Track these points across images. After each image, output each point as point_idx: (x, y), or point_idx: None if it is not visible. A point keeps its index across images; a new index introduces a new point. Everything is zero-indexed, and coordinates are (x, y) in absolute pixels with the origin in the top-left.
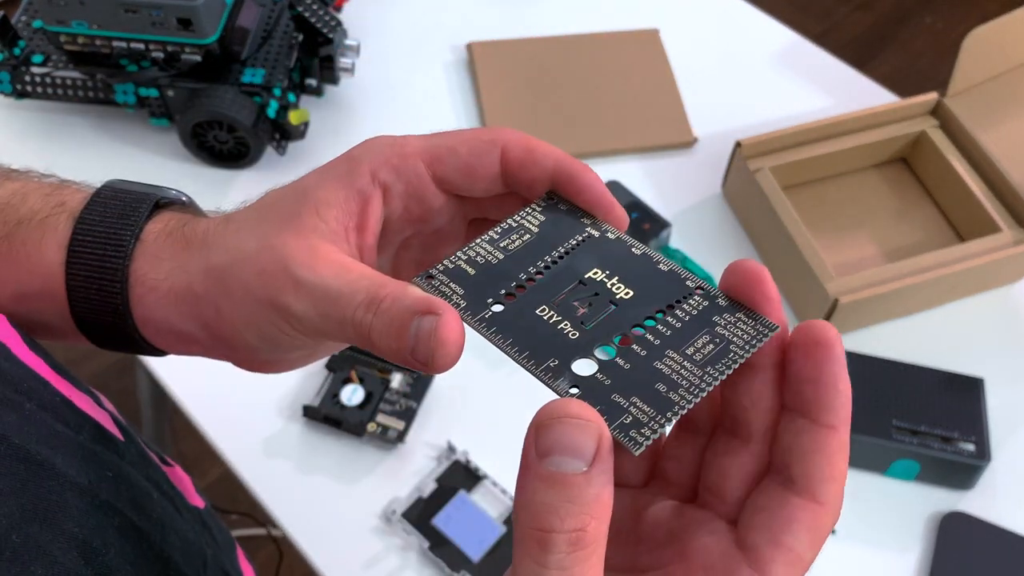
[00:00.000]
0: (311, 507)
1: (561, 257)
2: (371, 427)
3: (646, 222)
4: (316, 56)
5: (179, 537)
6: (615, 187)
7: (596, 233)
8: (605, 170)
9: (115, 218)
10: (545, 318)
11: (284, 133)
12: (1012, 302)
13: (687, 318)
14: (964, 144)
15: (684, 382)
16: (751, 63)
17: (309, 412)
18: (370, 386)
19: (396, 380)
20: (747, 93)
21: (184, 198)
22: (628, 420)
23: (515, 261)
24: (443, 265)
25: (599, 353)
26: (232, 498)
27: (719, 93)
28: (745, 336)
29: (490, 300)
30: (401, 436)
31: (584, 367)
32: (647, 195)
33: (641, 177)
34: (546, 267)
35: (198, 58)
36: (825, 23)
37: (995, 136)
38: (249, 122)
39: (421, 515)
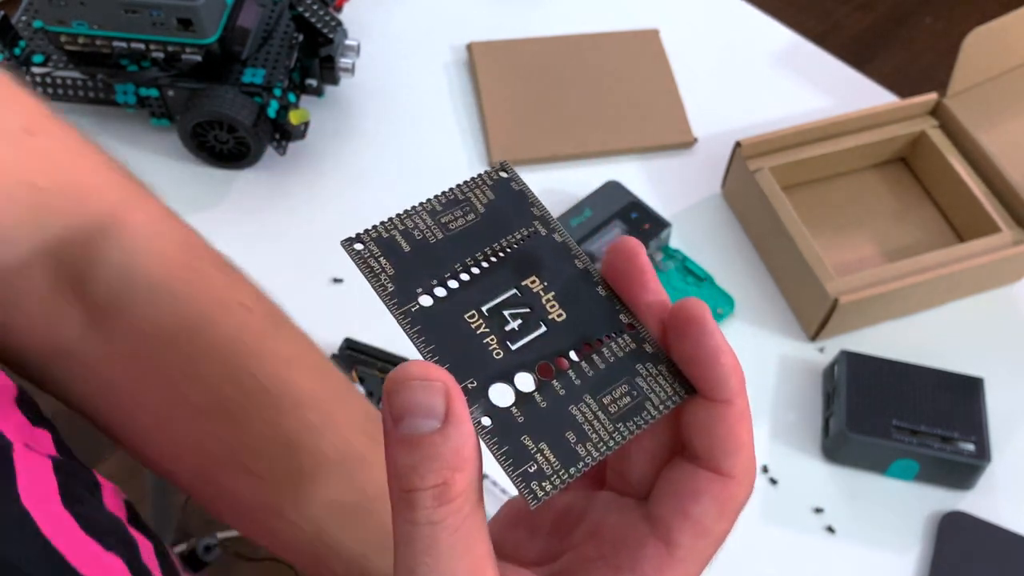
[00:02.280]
0: None
1: (502, 251)
2: None
3: (646, 222)
4: (316, 56)
5: None
6: (615, 187)
7: (543, 231)
8: (605, 170)
9: None
10: (472, 326)
11: (284, 133)
12: (1012, 302)
13: (612, 359)
14: (964, 144)
15: (594, 435)
16: (751, 63)
17: None
18: (371, 386)
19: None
20: (747, 93)
21: None
22: (532, 469)
23: (453, 245)
24: (376, 231)
25: (519, 380)
26: None
27: (719, 93)
28: (662, 395)
29: (419, 290)
30: None
31: (501, 395)
32: (647, 195)
33: (641, 177)
34: (484, 260)
35: (198, 58)
36: (825, 23)
37: (995, 136)
38: (249, 122)
39: None
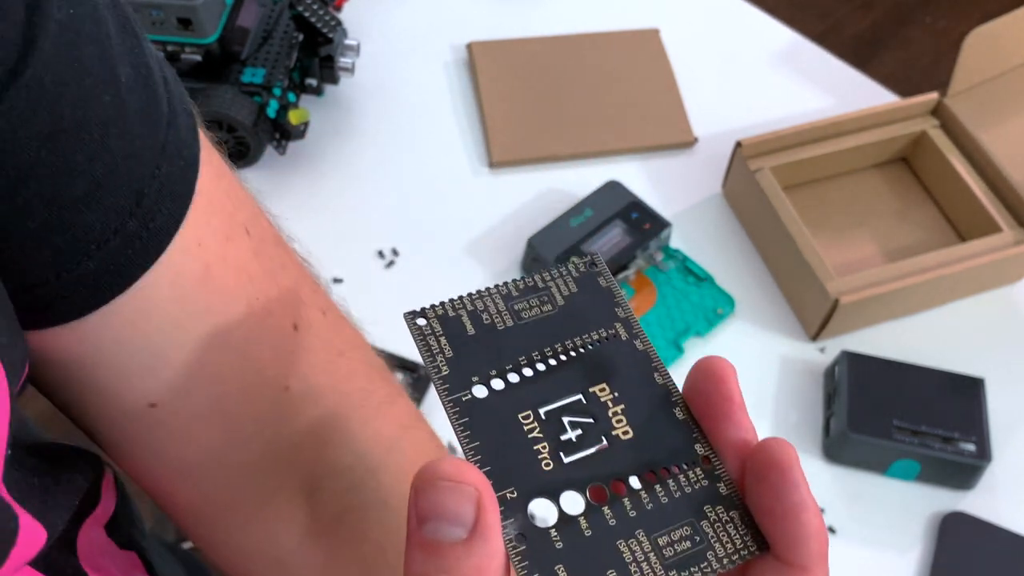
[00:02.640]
0: None
1: (575, 350)
2: None
3: (646, 222)
4: (316, 56)
5: None
6: (615, 187)
7: (624, 335)
8: (605, 170)
9: None
10: (525, 428)
11: (284, 133)
12: (1013, 302)
13: (678, 494)
14: (965, 144)
15: None
16: (751, 63)
17: None
18: None
19: (396, 380)
20: (747, 93)
21: None
22: None
23: (523, 335)
24: (442, 307)
25: (565, 500)
26: None
27: (719, 93)
28: (729, 546)
29: (475, 379)
30: None
31: (542, 513)
32: (647, 195)
33: (641, 177)
34: (553, 357)
35: (198, 58)
36: (825, 22)
37: (996, 136)
38: (249, 122)
39: None
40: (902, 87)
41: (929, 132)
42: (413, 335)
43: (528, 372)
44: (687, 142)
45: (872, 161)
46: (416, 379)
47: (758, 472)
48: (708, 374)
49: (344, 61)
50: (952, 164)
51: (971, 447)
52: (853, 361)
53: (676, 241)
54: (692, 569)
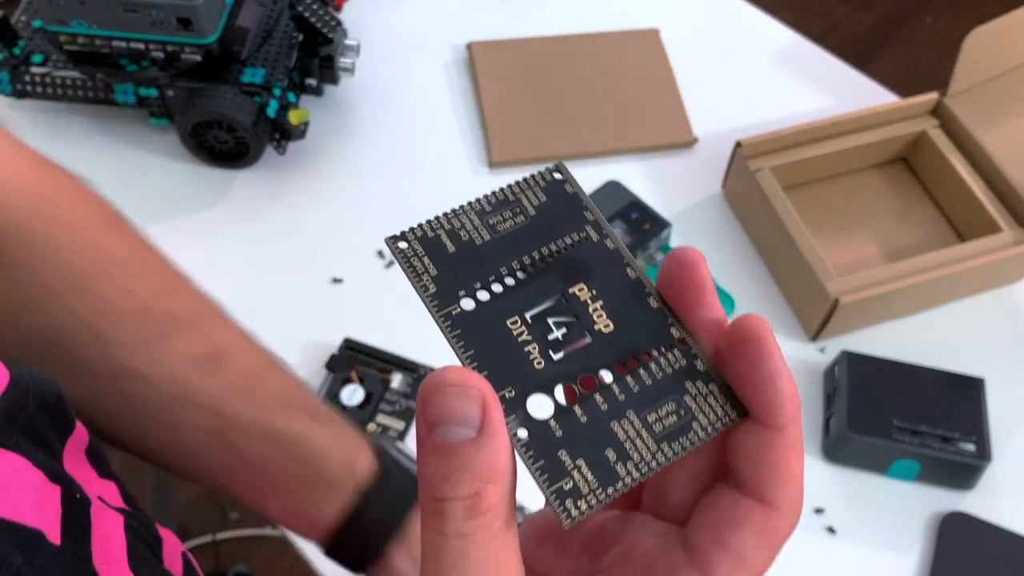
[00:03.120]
0: None
1: (551, 256)
2: (371, 427)
3: (646, 222)
4: (316, 56)
5: None
6: (615, 187)
7: (595, 236)
8: (605, 170)
9: (389, 509)
10: (515, 333)
11: (284, 133)
12: (1013, 302)
13: (660, 375)
14: (965, 144)
15: (636, 455)
16: (751, 63)
17: None
18: (370, 386)
19: (396, 380)
20: (747, 93)
21: None
22: (568, 487)
23: (500, 247)
24: (421, 229)
25: (559, 392)
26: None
27: (719, 93)
28: (711, 416)
29: (462, 292)
30: (401, 436)
31: (539, 406)
32: (647, 195)
33: (641, 177)
34: (532, 264)
35: (198, 58)
36: (825, 23)
37: (996, 136)
38: (249, 122)
39: None
40: (902, 87)
41: (929, 132)
42: (396, 258)
43: (510, 281)
44: (687, 142)
45: (872, 161)
46: (416, 378)
47: (736, 346)
48: (681, 262)
49: (344, 61)
50: (952, 164)
51: (971, 447)
52: (853, 361)
53: (676, 241)
54: (681, 439)
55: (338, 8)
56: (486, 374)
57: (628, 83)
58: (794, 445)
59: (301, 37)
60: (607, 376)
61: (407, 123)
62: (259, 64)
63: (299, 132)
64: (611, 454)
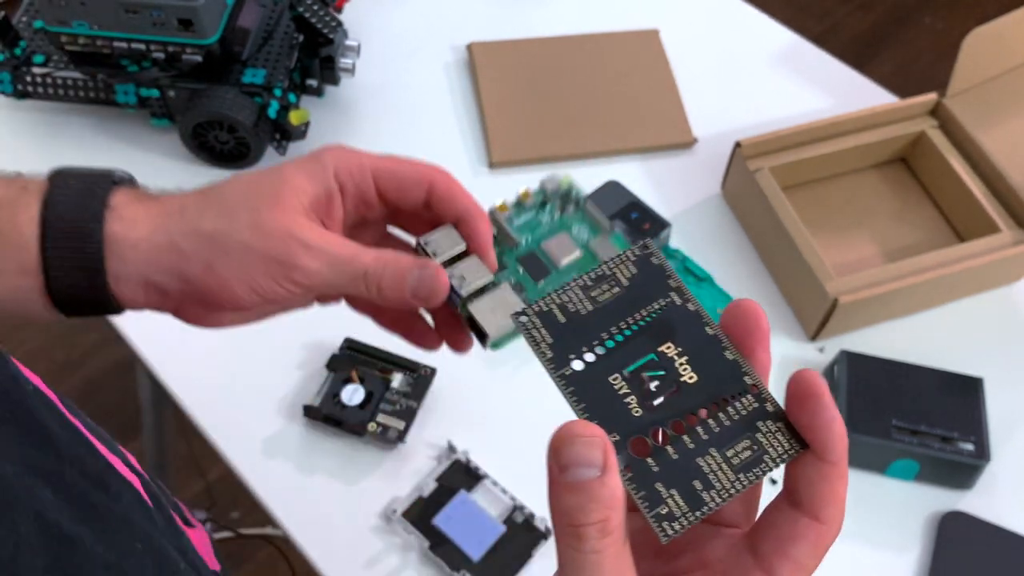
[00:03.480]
0: (312, 506)
1: (643, 320)
2: (371, 427)
3: (646, 222)
4: (317, 56)
5: None
6: (615, 187)
7: (678, 301)
8: (605, 170)
9: (81, 193)
10: (616, 387)
11: (285, 133)
12: (1012, 302)
13: (736, 417)
14: (964, 144)
15: (718, 484)
16: (751, 63)
17: (310, 412)
18: (371, 386)
19: (397, 380)
20: (747, 93)
21: (130, 176)
22: (664, 511)
23: (601, 316)
24: (537, 306)
25: (654, 436)
26: (233, 498)
27: (719, 93)
28: (779, 449)
29: (572, 356)
30: (401, 436)
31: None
32: (647, 195)
33: (641, 177)
34: (627, 328)
35: (199, 58)
36: (825, 23)
37: (995, 136)
38: (250, 122)
39: (421, 515)
40: (901, 88)
41: (928, 132)
42: (519, 329)
43: (611, 344)
44: (686, 142)
45: (871, 161)
46: (417, 378)
47: (798, 399)
48: (747, 313)
49: (344, 62)
50: (951, 164)
51: (970, 447)
52: (852, 361)
53: (676, 241)
54: (755, 469)
55: (339, 9)
56: (596, 422)
57: (628, 84)
58: (843, 476)
59: (302, 38)
60: (693, 420)
61: (407, 123)
62: (260, 65)
63: (300, 132)
64: (697, 484)
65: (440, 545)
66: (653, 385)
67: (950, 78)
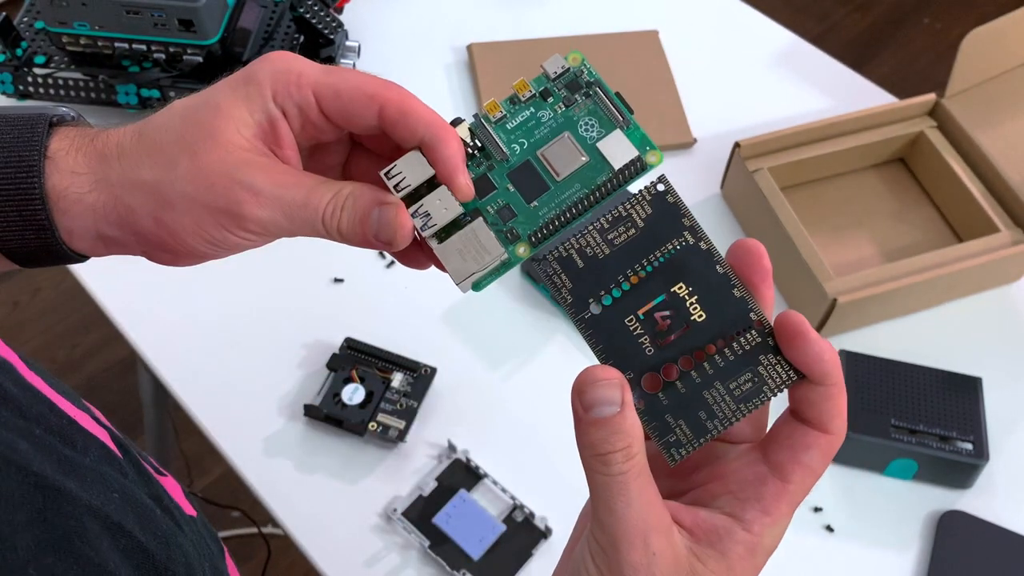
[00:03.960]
0: (312, 506)
1: (657, 261)
2: (372, 426)
3: None
4: (317, 57)
5: (181, 552)
6: None
7: (691, 240)
8: None
9: (15, 142)
10: (630, 328)
11: None
12: (1010, 302)
13: (740, 352)
14: (962, 145)
15: (720, 413)
16: (750, 64)
17: (310, 411)
18: (371, 385)
19: (397, 380)
20: (746, 94)
21: (72, 114)
22: (672, 439)
23: (618, 258)
24: (556, 251)
25: (665, 372)
26: (233, 496)
27: (718, 94)
28: (777, 380)
29: (591, 300)
30: (402, 435)
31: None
32: None
33: (640, 177)
34: (642, 270)
35: (200, 59)
36: (823, 24)
37: (993, 137)
38: None
39: (422, 514)
40: (900, 89)
41: (927, 133)
42: (541, 277)
43: (626, 287)
44: (686, 143)
45: (870, 162)
46: (417, 378)
47: (787, 339)
48: (750, 252)
49: (345, 63)
50: (950, 165)
51: (968, 446)
52: (851, 360)
53: None
54: (755, 400)
55: (339, 10)
56: (612, 362)
57: (627, 84)
58: (841, 391)
59: (302, 38)
60: (701, 356)
61: None
62: None
63: None
64: (703, 414)
65: (440, 544)
66: (665, 324)
67: (948, 79)
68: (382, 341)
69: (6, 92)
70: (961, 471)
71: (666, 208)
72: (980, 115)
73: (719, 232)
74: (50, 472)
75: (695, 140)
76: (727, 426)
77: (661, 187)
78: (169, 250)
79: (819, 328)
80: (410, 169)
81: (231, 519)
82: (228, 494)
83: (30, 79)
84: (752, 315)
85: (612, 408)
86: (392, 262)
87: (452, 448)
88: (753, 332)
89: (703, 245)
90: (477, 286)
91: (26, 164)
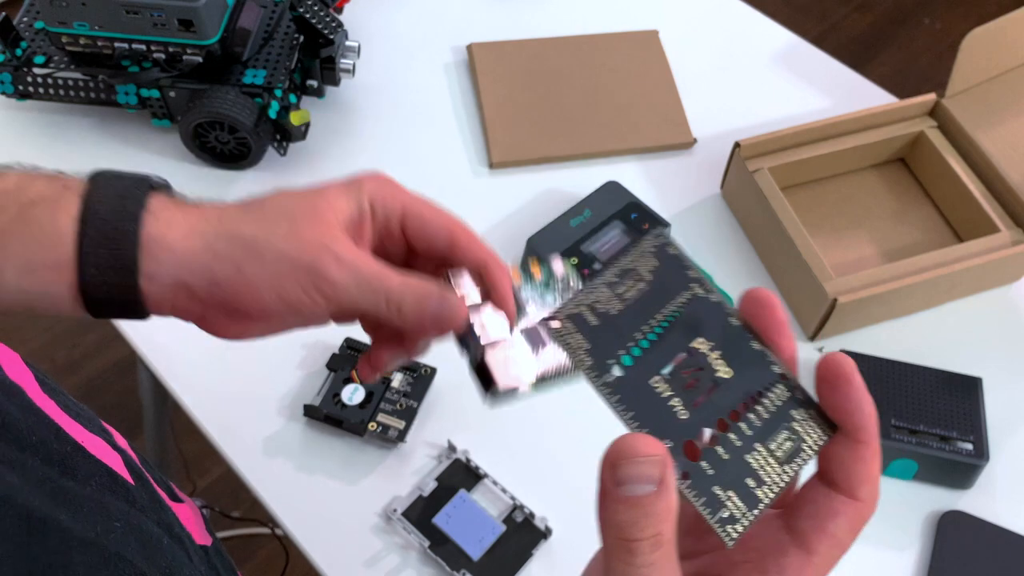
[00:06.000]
0: (312, 506)
1: (671, 315)
2: (371, 426)
3: (645, 222)
4: (317, 57)
5: None
6: (614, 187)
7: (701, 292)
8: (605, 171)
9: (120, 195)
10: (658, 391)
11: (285, 134)
12: (1010, 302)
13: (773, 409)
14: (962, 145)
15: (768, 479)
16: (750, 64)
17: (310, 411)
18: (371, 386)
19: (397, 380)
20: (746, 94)
21: (167, 183)
22: (726, 515)
23: (632, 314)
24: (567, 310)
25: (703, 436)
26: (234, 497)
27: (718, 94)
28: (815, 436)
29: (611, 362)
30: (402, 435)
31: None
32: (646, 195)
33: (640, 178)
34: (658, 326)
35: (199, 59)
36: (824, 24)
37: (993, 137)
38: (250, 123)
39: (422, 514)
40: (900, 89)
41: (927, 133)
42: (553, 338)
43: (645, 344)
44: (686, 143)
45: (870, 162)
46: (416, 378)
47: (829, 381)
48: (762, 303)
49: (345, 63)
50: (950, 165)
51: (968, 446)
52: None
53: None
54: (796, 459)
55: (339, 10)
56: (647, 431)
57: (627, 84)
58: (876, 454)
59: (302, 38)
60: (735, 416)
61: (407, 124)
62: (260, 65)
63: (300, 133)
64: (751, 481)
65: (440, 544)
66: (693, 383)
67: (949, 78)
68: None
69: (6, 92)
70: (961, 471)
71: (669, 260)
72: (980, 115)
73: (719, 232)
74: (39, 505)
75: (695, 140)
76: (777, 493)
77: (663, 239)
78: (236, 304)
79: (819, 328)
80: (469, 284)
81: (231, 519)
82: (229, 494)
83: (30, 79)
84: (775, 368)
85: (648, 487)
86: None
87: (452, 448)
88: (780, 387)
89: (713, 297)
90: (495, 398)
91: (127, 211)
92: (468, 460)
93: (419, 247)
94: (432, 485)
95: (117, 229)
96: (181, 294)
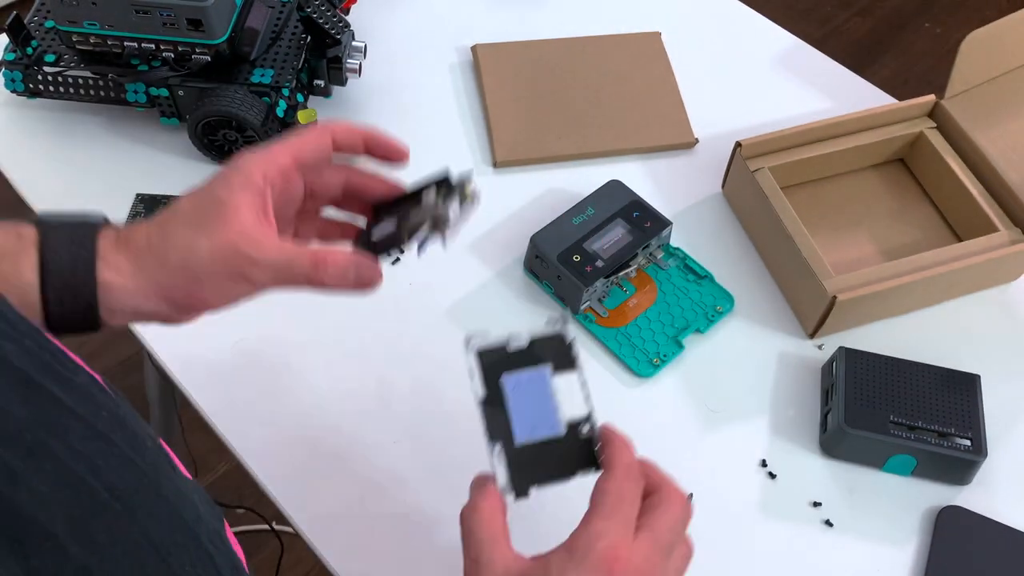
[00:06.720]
0: (320, 502)
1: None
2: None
3: (647, 221)
4: (324, 57)
5: (173, 485)
6: (617, 186)
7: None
8: (607, 170)
9: (72, 241)
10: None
11: None
12: (1008, 301)
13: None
14: (961, 145)
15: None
16: (752, 66)
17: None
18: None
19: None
20: (747, 96)
21: (105, 218)
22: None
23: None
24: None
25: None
26: (238, 493)
27: (720, 96)
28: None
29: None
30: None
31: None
32: (648, 195)
33: (642, 177)
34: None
35: (208, 58)
36: (825, 28)
37: (992, 137)
38: (258, 122)
39: (494, 364)
40: (900, 91)
41: (926, 133)
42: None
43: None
44: (688, 143)
45: (870, 162)
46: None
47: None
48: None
49: (351, 63)
50: (949, 165)
51: (967, 442)
52: (850, 357)
53: (676, 240)
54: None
55: (346, 10)
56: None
57: (630, 85)
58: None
59: (309, 38)
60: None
61: (412, 124)
62: (268, 65)
63: None
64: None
65: (492, 404)
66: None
67: (948, 80)
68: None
69: (17, 90)
70: (959, 467)
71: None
72: (979, 116)
73: (720, 230)
74: (33, 372)
75: (697, 140)
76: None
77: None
78: (194, 311)
79: (819, 325)
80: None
81: (237, 515)
82: (233, 491)
83: (40, 77)
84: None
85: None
86: (397, 259)
87: (563, 321)
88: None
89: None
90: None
91: (84, 260)
92: (572, 343)
93: (319, 177)
94: (523, 343)
95: (75, 276)
96: (138, 316)
